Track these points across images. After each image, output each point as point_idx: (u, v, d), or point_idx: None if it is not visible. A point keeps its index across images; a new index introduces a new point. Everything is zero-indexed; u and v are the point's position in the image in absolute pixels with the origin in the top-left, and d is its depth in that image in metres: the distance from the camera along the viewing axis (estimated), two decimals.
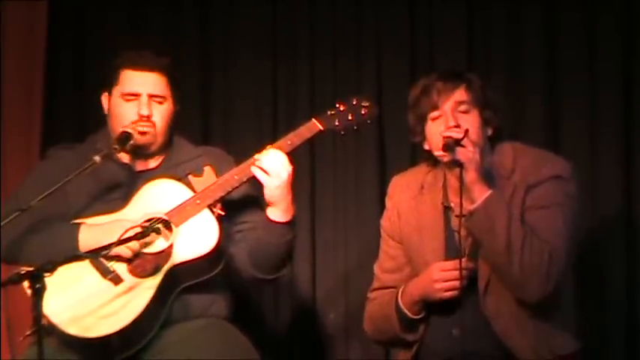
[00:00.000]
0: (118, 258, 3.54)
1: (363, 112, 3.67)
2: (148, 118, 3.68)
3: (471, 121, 3.52)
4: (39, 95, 4.85)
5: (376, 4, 4.67)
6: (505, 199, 3.46)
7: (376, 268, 3.80)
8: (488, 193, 3.43)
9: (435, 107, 3.55)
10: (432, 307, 3.57)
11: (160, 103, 3.71)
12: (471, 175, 3.43)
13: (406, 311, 3.59)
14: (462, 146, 3.43)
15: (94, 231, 3.58)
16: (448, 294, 3.50)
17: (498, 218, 3.40)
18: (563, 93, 4.51)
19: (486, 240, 3.44)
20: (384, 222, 3.78)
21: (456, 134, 3.45)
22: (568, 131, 4.49)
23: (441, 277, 3.50)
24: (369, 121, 3.70)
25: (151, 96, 3.69)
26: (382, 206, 4.56)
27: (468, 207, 3.45)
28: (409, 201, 3.70)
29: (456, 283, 3.48)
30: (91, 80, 4.77)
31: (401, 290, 3.62)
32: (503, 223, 3.40)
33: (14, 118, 4.84)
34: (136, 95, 3.69)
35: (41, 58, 4.86)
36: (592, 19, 4.49)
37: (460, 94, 3.54)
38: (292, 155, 3.61)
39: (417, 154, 4.49)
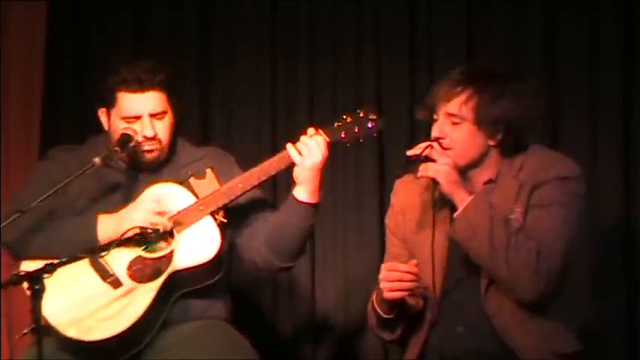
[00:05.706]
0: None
1: (369, 124, 3.65)
2: (154, 137, 3.67)
3: (459, 134, 3.49)
4: (39, 95, 4.84)
5: (376, 8, 4.65)
6: (490, 202, 3.44)
7: (382, 267, 3.78)
8: (467, 200, 3.43)
9: (433, 112, 3.54)
10: (438, 306, 3.52)
11: (161, 118, 3.69)
12: (444, 187, 3.44)
13: (378, 310, 3.56)
14: (432, 160, 3.44)
15: (111, 220, 3.56)
16: (390, 295, 3.44)
17: (480, 224, 3.40)
18: (564, 93, 4.50)
19: (470, 246, 3.43)
20: (389, 220, 3.74)
21: (418, 151, 3.46)
22: (568, 131, 4.48)
23: (384, 276, 3.45)
24: (375, 134, 3.68)
25: (152, 115, 3.67)
26: (382, 209, 4.60)
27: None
28: (414, 199, 3.65)
29: (397, 285, 3.42)
30: (91, 80, 4.74)
31: (376, 288, 3.58)
32: (485, 227, 3.39)
33: (14, 118, 4.82)
34: (137, 117, 3.66)
35: (41, 58, 4.84)
36: (593, 19, 4.48)
37: (454, 106, 3.49)
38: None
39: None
